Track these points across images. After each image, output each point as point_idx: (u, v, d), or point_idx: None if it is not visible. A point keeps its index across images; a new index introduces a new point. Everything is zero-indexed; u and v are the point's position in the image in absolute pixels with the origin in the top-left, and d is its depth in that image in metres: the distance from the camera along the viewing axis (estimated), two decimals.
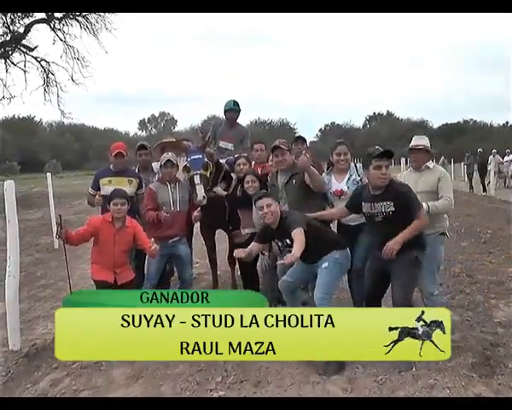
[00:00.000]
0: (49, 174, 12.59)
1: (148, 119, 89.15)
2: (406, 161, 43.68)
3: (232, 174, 6.36)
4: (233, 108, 7.28)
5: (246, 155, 6.46)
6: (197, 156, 5.94)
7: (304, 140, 6.45)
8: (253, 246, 4.97)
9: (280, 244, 4.97)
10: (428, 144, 5.28)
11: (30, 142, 57.48)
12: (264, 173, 6.02)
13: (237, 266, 7.33)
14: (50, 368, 4.71)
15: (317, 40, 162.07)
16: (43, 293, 7.43)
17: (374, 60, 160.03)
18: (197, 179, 5.83)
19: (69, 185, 30.32)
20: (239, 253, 4.90)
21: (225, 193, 6.20)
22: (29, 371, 4.68)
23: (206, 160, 5.99)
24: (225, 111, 7.32)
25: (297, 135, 6.80)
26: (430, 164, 5.24)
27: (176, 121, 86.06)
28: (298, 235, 4.41)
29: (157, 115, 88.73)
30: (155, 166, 6.46)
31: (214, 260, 6.84)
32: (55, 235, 5.52)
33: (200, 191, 5.76)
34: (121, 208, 5.22)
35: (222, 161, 6.52)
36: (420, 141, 5.29)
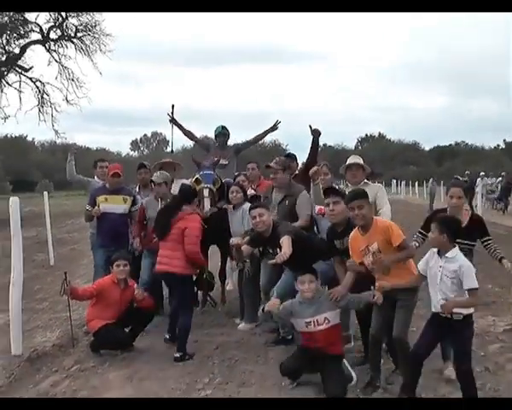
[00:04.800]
0: (45, 193, 12.87)
1: (141, 139, 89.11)
2: (397, 182, 44.75)
3: None
4: (221, 132, 7.72)
5: (245, 172, 7.01)
6: (209, 172, 6.47)
7: (294, 157, 6.95)
8: (245, 248, 5.37)
9: (271, 251, 5.26)
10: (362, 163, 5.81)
11: (22, 161, 57.44)
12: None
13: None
14: (51, 371, 5.06)
15: (309, 57, 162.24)
16: (41, 305, 7.76)
17: (365, 79, 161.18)
18: (206, 192, 6.30)
19: (61, 205, 30.50)
20: (235, 240, 5.42)
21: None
22: (31, 373, 5.01)
23: (216, 176, 6.52)
24: (215, 136, 7.79)
25: (287, 152, 7.24)
26: (367, 181, 5.77)
27: (168, 142, 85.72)
28: (286, 240, 4.74)
29: (149, 135, 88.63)
30: None
31: None
32: (60, 291, 5.56)
33: (208, 204, 6.23)
34: (124, 269, 5.60)
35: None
36: (356, 159, 5.83)
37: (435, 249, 3.98)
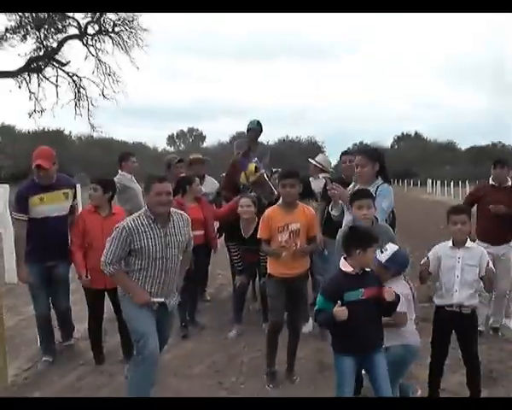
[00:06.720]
0: (78, 185, 12.86)
1: (177, 134, 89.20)
2: (432, 182, 43.73)
3: None
4: (255, 128, 7.36)
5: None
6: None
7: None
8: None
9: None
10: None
11: (59, 155, 57.85)
12: None
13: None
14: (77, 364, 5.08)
15: (347, 58, 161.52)
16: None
17: (402, 77, 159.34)
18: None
19: None
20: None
21: None
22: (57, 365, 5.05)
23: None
24: (248, 129, 7.42)
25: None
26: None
27: (204, 137, 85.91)
28: None
29: (186, 131, 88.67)
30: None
31: None
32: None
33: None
34: (94, 194, 4.98)
35: None
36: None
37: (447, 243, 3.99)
